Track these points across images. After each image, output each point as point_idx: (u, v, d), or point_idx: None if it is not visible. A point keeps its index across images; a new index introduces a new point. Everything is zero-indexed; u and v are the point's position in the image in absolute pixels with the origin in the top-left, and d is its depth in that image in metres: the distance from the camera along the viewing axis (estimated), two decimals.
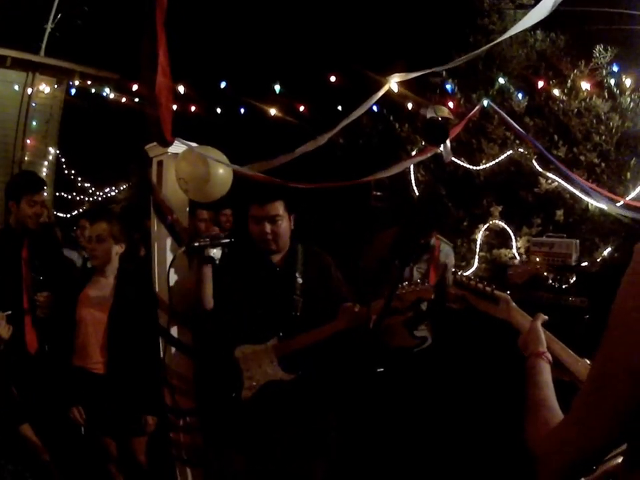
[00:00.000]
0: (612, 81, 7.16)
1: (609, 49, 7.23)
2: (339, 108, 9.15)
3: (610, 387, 1.47)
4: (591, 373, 1.57)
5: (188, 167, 4.11)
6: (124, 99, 11.62)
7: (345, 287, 4.34)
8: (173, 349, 4.35)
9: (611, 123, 7.24)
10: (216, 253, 4.08)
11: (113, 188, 16.59)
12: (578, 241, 6.95)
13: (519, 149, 7.61)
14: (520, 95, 7.69)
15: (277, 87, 9.45)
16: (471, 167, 7.84)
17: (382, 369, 5.00)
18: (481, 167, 7.82)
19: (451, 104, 7.80)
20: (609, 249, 7.23)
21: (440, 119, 4.12)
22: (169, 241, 4.33)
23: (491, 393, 5.61)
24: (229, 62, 11.20)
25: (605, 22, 7.28)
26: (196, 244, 4.00)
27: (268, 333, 4.11)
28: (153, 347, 4.32)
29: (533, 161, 7.44)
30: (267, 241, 4.15)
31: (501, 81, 7.76)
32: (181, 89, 9.45)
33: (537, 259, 6.99)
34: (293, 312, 4.16)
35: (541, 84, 7.49)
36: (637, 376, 1.41)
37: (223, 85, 10.16)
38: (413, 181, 7.99)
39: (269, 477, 4.11)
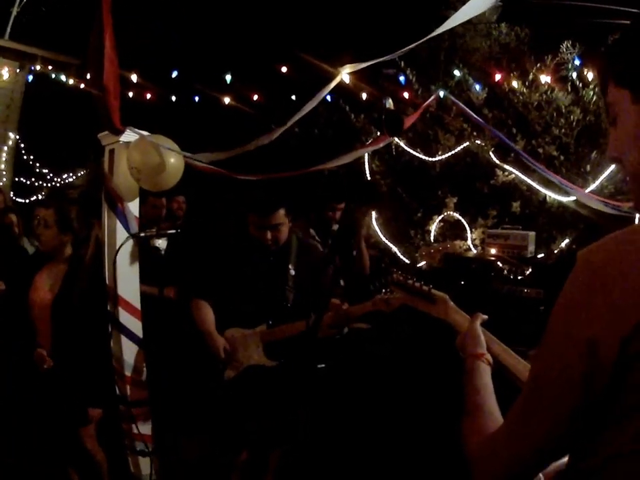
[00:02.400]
0: (574, 75, 7.21)
1: (577, 45, 7.26)
2: (293, 97, 9.19)
3: (547, 393, 1.45)
4: (529, 376, 1.55)
5: (140, 155, 4.15)
6: (83, 85, 11.51)
7: (334, 282, 4.47)
8: (123, 337, 4.40)
9: (572, 117, 7.31)
10: (161, 243, 4.15)
11: (71, 174, 16.43)
12: (534, 233, 7.06)
13: (476, 141, 7.66)
14: (478, 87, 7.74)
15: (229, 77, 9.43)
16: (426, 157, 7.88)
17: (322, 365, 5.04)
18: (437, 158, 7.87)
19: (406, 94, 7.84)
20: (567, 241, 7.31)
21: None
22: (119, 229, 4.35)
23: (429, 394, 5.65)
24: (181, 50, 11.11)
25: (572, 18, 7.33)
26: (142, 234, 4.06)
27: (258, 319, 4.35)
28: (101, 335, 4.40)
29: (490, 153, 7.49)
30: (268, 245, 4.34)
31: (458, 72, 7.80)
32: (134, 77, 9.44)
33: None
34: (283, 303, 4.40)
35: (500, 76, 7.52)
36: (571, 384, 1.40)
37: (175, 73, 10.10)
38: (368, 171, 8.02)
39: (226, 464, 4.30)
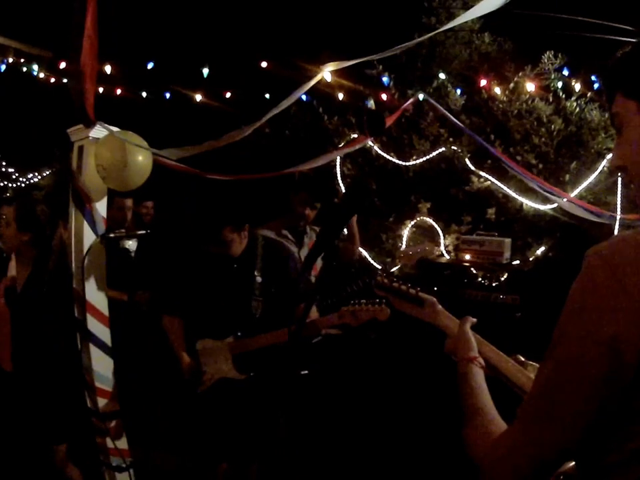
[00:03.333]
0: (559, 84, 7.18)
1: (559, 55, 7.26)
2: (267, 96, 9.04)
3: (564, 394, 1.44)
4: (540, 379, 1.53)
5: (107, 152, 3.96)
6: (53, 79, 11.25)
7: (303, 281, 4.46)
8: (92, 346, 4.16)
9: (553, 126, 7.26)
10: (131, 245, 3.99)
11: (36, 174, 16.14)
12: (510, 239, 7.04)
13: (452, 147, 7.57)
14: (458, 92, 7.67)
15: (205, 71, 9.22)
16: (400, 162, 7.77)
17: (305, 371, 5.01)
18: (411, 162, 7.76)
19: (384, 97, 7.73)
20: (542, 249, 7.24)
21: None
22: (86, 231, 4.16)
23: (422, 397, 5.54)
24: (155, 44, 10.87)
25: (555, 29, 7.29)
26: (111, 235, 3.90)
27: (227, 329, 4.29)
28: (68, 343, 4.15)
29: (466, 159, 7.41)
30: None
31: (441, 76, 7.73)
32: (107, 69, 9.23)
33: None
34: (251, 313, 4.32)
35: (482, 83, 7.47)
36: (593, 385, 1.40)
37: (149, 67, 9.87)
38: (339, 175, 7.88)
39: (202, 477, 4.31)
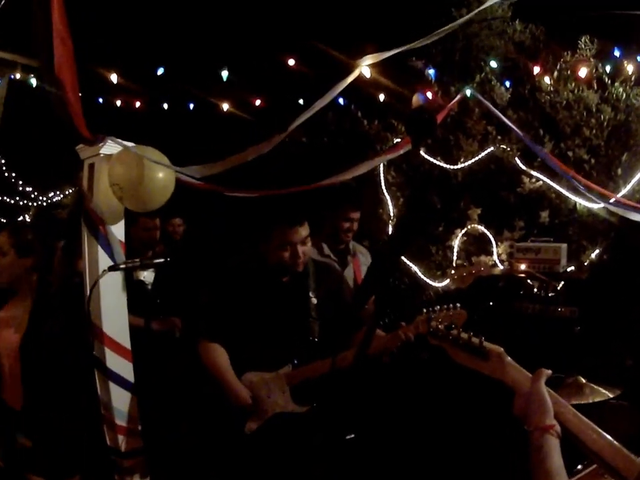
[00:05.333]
0: (607, 68, 6.79)
1: (595, 40, 6.87)
2: (300, 101, 8.59)
3: None
4: None
5: (122, 170, 3.60)
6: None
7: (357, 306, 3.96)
8: (112, 384, 3.85)
9: (602, 116, 6.85)
10: (147, 276, 3.59)
11: (58, 192, 15.86)
12: (566, 245, 6.63)
13: (501, 146, 7.13)
14: (506, 85, 7.32)
15: (225, 74, 8.69)
16: (447, 166, 7.33)
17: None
18: (459, 165, 7.32)
19: (429, 94, 7.28)
20: (597, 252, 6.85)
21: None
22: (102, 258, 3.77)
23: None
24: (168, 44, 10.31)
25: (585, 12, 6.86)
26: (122, 266, 3.47)
27: (280, 359, 3.85)
28: (84, 379, 3.86)
29: (516, 158, 6.94)
30: (297, 264, 3.87)
31: (490, 65, 7.38)
32: (114, 78, 8.79)
33: (513, 264, 6.59)
34: (309, 336, 3.91)
35: (526, 74, 7.04)
36: None
37: (160, 71, 9.37)
38: (383, 183, 7.46)
39: None
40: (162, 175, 3.63)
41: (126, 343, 3.93)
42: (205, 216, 7.92)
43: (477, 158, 7.27)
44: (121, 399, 3.89)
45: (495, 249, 7.25)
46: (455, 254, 7.37)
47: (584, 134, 6.91)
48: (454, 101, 6.17)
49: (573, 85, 6.94)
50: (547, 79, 7.04)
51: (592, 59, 6.89)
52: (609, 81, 6.86)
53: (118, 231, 3.87)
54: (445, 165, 7.37)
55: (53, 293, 4.09)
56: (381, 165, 7.43)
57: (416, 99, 5.74)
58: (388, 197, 7.49)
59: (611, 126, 6.90)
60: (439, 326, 2.28)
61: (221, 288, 4.05)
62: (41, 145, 13.90)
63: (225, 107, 9.23)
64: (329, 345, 3.82)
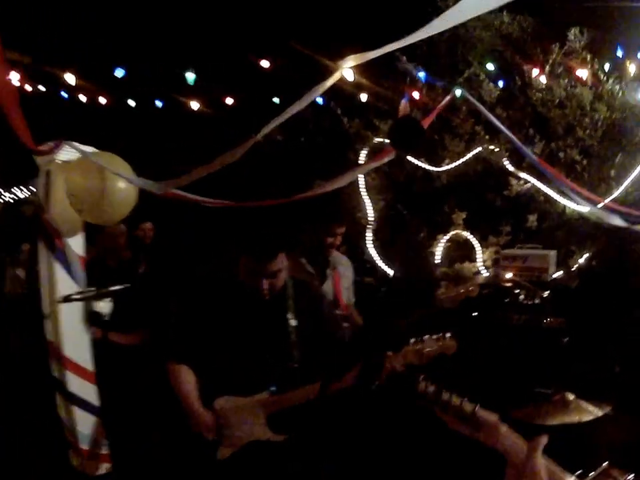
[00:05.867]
0: (606, 66, 6.51)
1: (585, 31, 6.59)
2: (276, 100, 8.25)
3: None
4: None
5: (80, 180, 3.26)
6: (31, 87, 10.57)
7: (338, 322, 3.96)
8: (74, 407, 3.63)
9: (596, 115, 6.59)
10: (104, 307, 3.27)
11: (22, 187, 15.46)
12: (555, 252, 6.42)
13: (489, 146, 6.87)
14: (498, 82, 7.03)
15: (191, 76, 8.26)
16: (432, 168, 7.02)
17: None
18: (444, 167, 7.01)
19: (416, 94, 6.96)
20: (586, 256, 6.65)
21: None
22: (59, 273, 3.47)
23: None
24: (132, 40, 9.88)
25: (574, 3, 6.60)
26: (74, 296, 3.16)
27: (255, 383, 3.53)
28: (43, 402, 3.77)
29: (505, 160, 6.67)
30: (263, 295, 3.53)
31: (477, 60, 7.10)
32: (72, 78, 8.38)
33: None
34: (288, 362, 3.60)
35: (517, 69, 6.78)
36: None
37: (121, 72, 8.92)
38: (362, 186, 7.15)
39: None
40: (124, 186, 3.32)
41: (87, 364, 3.67)
42: (175, 226, 7.62)
43: (463, 159, 6.96)
44: (84, 423, 3.68)
45: (479, 256, 7.00)
46: (438, 261, 7.10)
47: (577, 134, 6.68)
48: (442, 103, 5.83)
49: (566, 81, 6.67)
50: (538, 74, 6.74)
51: (584, 52, 6.62)
52: (604, 77, 6.59)
53: (76, 244, 3.56)
54: (429, 167, 7.06)
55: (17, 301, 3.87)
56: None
57: (403, 106, 5.42)
58: (367, 200, 7.18)
59: (605, 125, 6.65)
60: (428, 388, 1.97)
61: (190, 300, 3.76)
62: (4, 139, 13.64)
63: (195, 105, 8.84)
64: (310, 372, 3.50)
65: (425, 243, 7.29)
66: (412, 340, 3.27)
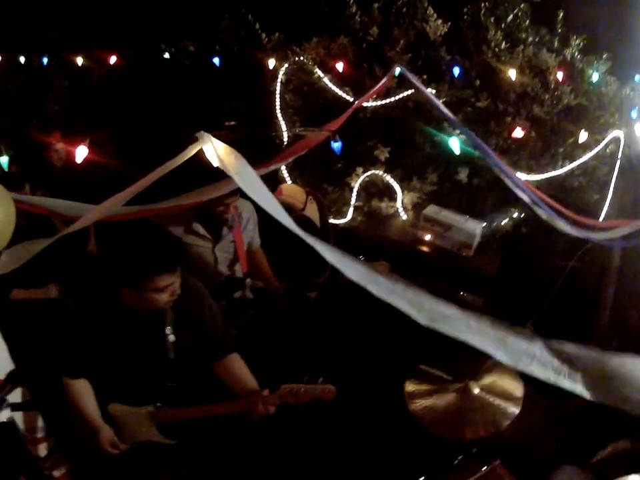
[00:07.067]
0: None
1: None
2: None
3: None
4: None
5: None
6: None
7: (220, 321, 3.71)
8: None
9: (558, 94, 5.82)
10: None
11: None
12: (482, 225, 5.88)
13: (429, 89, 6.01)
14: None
15: None
16: (355, 100, 6.02)
17: None
18: (371, 103, 6.12)
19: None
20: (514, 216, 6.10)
21: None
22: None
23: None
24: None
25: None
26: None
27: (141, 398, 3.54)
28: None
29: (441, 104, 5.79)
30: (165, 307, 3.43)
31: None
32: None
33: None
34: (167, 382, 3.57)
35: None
36: None
37: None
38: (278, 105, 6.26)
39: None
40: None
41: None
42: None
43: (395, 97, 6.09)
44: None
45: (399, 197, 6.26)
46: (354, 196, 6.35)
47: (532, 109, 5.90)
48: (382, 82, 4.82)
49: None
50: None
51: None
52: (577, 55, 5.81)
53: None
54: (351, 99, 6.15)
55: None
56: (278, 85, 6.30)
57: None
58: (282, 121, 6.29)
59: (565, 107, 5.93)
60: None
61: (78, 321, 3.52)
62: None
63: None
64: (193, 390, 3.57)
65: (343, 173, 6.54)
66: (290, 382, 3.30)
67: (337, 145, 4.65)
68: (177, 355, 3.55)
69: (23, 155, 5.85)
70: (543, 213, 4.38)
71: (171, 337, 3.51)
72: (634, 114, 5.71)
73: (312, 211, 5.08)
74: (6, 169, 5.67)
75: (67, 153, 5.84)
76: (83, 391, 3.53)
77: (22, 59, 8.26)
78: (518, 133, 5.74)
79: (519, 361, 1.72)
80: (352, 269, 1.86)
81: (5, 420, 3.08)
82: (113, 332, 3.42)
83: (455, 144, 4.84)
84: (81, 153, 4.59)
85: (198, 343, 3.63)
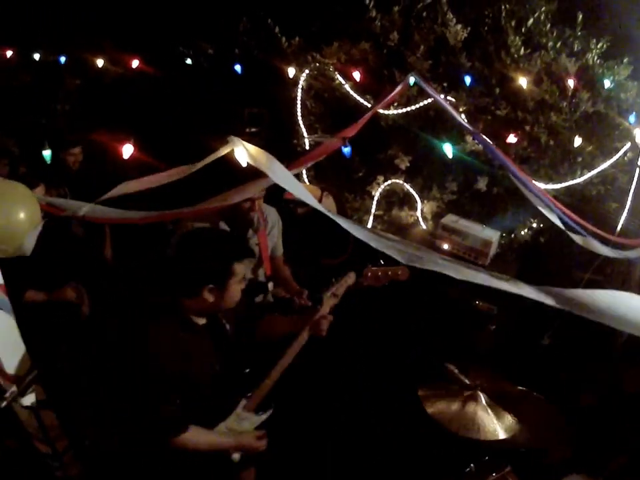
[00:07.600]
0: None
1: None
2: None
3: None
4: None
5: None
6: None
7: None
8: None
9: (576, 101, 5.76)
10: None
11: None
12: (499, 234, 5.90)
13: (449, 97, 6.05)
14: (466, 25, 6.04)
15: None
16: (380, 110, 6.08)
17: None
18: (392, 111, 6.16)
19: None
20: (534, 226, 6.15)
21: None
22: None
23: None
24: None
25: None
26: None
27: (228, 405, 3.46)
28: None
29: (461, 113, 5.89)
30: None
31: None
32: None
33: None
34: (243, 369, 3.69)
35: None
36: None
37: None
38: (299, 112, 6.30)
39: None
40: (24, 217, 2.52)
41: None
42: None
43: (416, 105, 6.13)
44: None
45: (419, 206, 6.30)
46: (374, 205, 6.45)
47: (550, 117, 5.84)
48: (396, 90, 4.86)
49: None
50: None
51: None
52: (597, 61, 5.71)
53: None
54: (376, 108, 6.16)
55: None
56: (299, 91, 6.36)
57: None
58: (303, 128, 6.34)
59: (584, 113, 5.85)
60: None
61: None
62: None
63: None
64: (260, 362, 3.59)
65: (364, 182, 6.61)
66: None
67: (347, 150, 4.76)
68: (237, 341, 3.56)
69: (32, 154, 5.91)
70: (579, 239, 4.38)
71: (228, 326, 3.52)
72: None
73: (329, 205, 5.15)
74: (49, 163, 5.80)
75: (81, 155, 5.89)
76: (195, 434, 3.24)
77: (36, 56, 8.20)
78: (512, 139, 5.76)
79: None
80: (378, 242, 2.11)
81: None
82: (197, 357, 3.23)
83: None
84: (127, 150, 4.70)
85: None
